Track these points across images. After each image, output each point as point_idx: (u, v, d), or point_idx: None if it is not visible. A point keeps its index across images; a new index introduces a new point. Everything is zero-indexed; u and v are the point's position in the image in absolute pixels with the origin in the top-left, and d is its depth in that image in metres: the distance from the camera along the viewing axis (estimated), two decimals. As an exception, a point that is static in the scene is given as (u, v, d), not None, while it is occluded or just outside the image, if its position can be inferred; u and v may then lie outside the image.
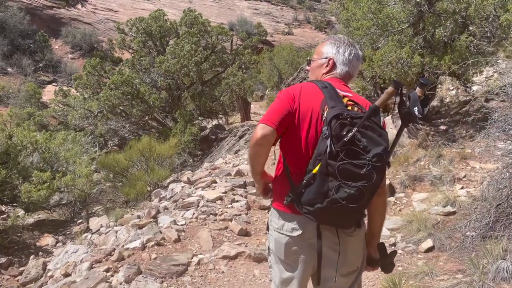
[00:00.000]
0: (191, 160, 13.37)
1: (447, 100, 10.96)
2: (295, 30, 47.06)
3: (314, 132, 1.79)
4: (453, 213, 4.35)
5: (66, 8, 38.35)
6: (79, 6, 39.81)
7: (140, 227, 5.77)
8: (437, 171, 5.84)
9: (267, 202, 5.61)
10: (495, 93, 8.98)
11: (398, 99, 1.76)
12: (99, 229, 7.17)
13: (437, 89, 9.30)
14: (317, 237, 1.79)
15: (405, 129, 8.29)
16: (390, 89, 1.74)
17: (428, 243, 3.79)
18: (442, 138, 7.70)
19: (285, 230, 1.85)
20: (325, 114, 1.74)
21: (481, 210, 4.14)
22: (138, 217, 6.56)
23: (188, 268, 3.79)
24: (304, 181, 1.70)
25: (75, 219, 8.55)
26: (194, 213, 5.07)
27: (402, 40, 7.32)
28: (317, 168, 1.67)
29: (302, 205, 1.72)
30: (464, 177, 5.65)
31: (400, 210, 5.27)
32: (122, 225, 6.60)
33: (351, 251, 1.84)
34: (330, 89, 1.82)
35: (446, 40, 7.40)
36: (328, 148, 1.64)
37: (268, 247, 2.01)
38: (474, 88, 9.95)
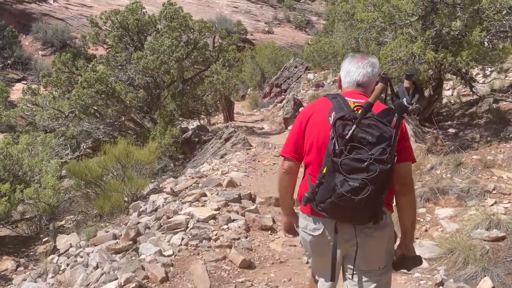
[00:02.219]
0: (172, 164, 12.38)
1: (444, 100, 10.31)
2: (275, 29, 46.38)
3: (323, 137, 1.95)
4: (502, 238, 3.59)
5: (37, 3, 36.60)
6: (50, 1, 38.06)
7: (117, 251, 4.84)
8: (462, 183, 5.10)
9: (268, 221, 4.76)
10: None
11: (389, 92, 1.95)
12: (67, 250, 6.19)
13: (442, 89, 8.63)
14: (334, 232, 1.92)
15: (412, 133, 7.28)
16: (379, 85, 1.87)
17: (487, 283, 3.01)
18: (453, 142, 7.00)
19: (309, 230, 2.03)
20: (331, 119, 1.92)
21: (538, 236, 3.40)
22: (114, 236, 5.61)
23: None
24: (317, 181, 1.86)
25: (41, 235, 7.51)
26: (183, 238, 4.15)
27: (412, 34, 6.59)
28: (325, 167, 1.84)
29: (317, 204, 1.86)
30: (494, 189, 4.92)
31: (426, 230, 4.50)
32: (96, 246, 5.65)
33: (371, 250, 1.92)
34: (339, 98, 1.99)
35: (456, 35, 6.70)
36: (333, 147, 1.81)
37: (300, 241, 2.19)
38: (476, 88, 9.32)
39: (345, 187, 1.74)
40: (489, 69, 6.78)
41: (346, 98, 1.99)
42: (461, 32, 6.54)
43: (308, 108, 2.11)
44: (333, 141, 1.81)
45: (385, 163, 1.75)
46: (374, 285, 1.96)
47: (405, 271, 2.14)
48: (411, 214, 2.00)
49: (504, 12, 6.44)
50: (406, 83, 1.85)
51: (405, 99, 1.81)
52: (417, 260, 2.03)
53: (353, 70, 2.08)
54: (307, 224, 2.03)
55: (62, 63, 12.52)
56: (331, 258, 1.95)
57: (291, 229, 2.28)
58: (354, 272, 1.97)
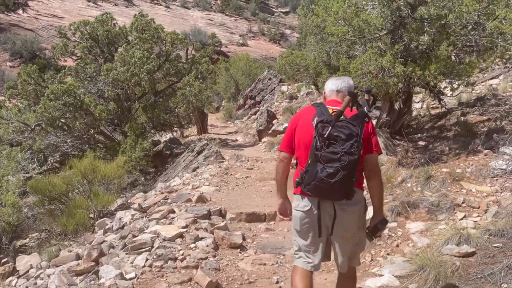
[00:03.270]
0: (142, 178, 12.08)
1: (414, 113, 10.46)
2: (250, 42, 46.70)
3: (309, 136, 2.52)
4: (472, 253, 3.56)
5: (5, 13, 35.74)
6: (20, 11, 37.22)
7: (78, 273, 4.60)
8: (433, 196, 5.09)
9: (238, 239, 4.61)
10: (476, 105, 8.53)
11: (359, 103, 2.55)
12: (27, 272, 5.88)
13: (412, 102, 8.73)
14: (317, 208, 2.51)
15: (383, 146, 7.29)
16: (347, 97, 2.52)
17: (458, 301, 2.96)
18: (423, 155, 7.04)
19: (300, 207, 2.58)
20: (314, 122, 2.50)
21: (507, 252, 3.38)
22: (78, 256, 5.35)
23: None
24: (304, 169, 2.47)
25: (0, 255, 7.13)
26: (147, 259, 3.96)
27: (381, 48, 6.64)
28: (310, 159, 2.44)
29: (304, 186, 2.45)
30: (463, 202, 4.92)
31: (397, 245, 4.44)
32: (57, 267, 5.37)
33: (346, 220, 2.51)
34: (321, 106, 2.62)
35: (424, 49, 6.79)
36: (315, 143, 2.40)
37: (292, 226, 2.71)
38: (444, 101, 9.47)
39: (323, 173, 2.31)
40: (457, 83, 6.87)
41: (327, 106, 2.60)
42: (429, 47, 6.63)
43: (298, 113, 2.76)
44: (315, 139, 2.38)
45: (353, 154, 2.32)
46: (350, 243, 2.56)
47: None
48: (378, 193, 2.61)
49: (470, 27, 6.56)
50: (366, 96, 2.53)
51: (365, 107, 2.47)
52: (384, 222, 2.65)
53: (333, 83, 2.77)
54: (298, 204, 2.58)
55: (27, 74, 12.13)
56: (317, 226, 2.51)
57: (284, 212, 2.80)
58: (335, 236, 2.53)
